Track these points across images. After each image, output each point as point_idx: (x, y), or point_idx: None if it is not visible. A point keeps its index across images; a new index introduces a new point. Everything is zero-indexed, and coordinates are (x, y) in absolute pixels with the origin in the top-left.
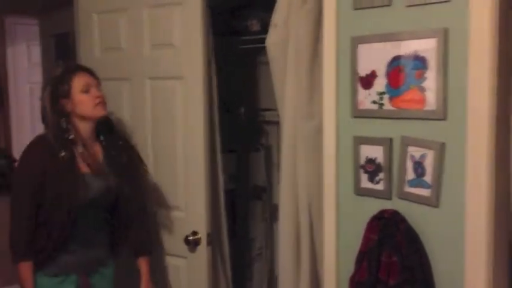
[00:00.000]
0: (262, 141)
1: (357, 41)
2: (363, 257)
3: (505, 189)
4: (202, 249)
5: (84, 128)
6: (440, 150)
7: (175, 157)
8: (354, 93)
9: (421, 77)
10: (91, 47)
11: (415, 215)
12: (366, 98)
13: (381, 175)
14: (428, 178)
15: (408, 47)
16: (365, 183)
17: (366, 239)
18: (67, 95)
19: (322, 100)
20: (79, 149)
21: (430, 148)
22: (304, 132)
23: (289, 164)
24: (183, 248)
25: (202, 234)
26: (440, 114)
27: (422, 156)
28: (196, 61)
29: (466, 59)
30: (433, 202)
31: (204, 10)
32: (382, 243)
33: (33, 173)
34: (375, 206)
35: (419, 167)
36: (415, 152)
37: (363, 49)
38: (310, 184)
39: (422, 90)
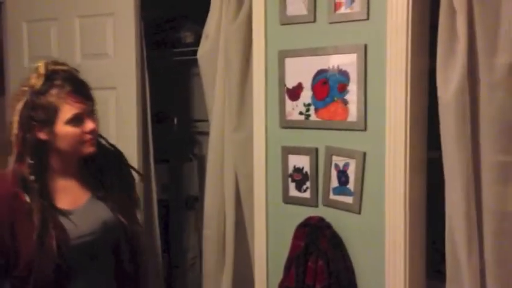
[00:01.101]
0: (195, 152)
1: (284, 54)
2: (291, 263)
3: (420, 194)
4: None
5: (63, 161)
6: (362, 159)
7: None
8: (282, 105)
9: (344, 90)
10: (20, 56)
11: (340, 222)
12: (294, 109)
13: (308, 184)
14: (351, 186)
15: (331, 62)
16: (293, 191)
17: (294, 245)
18: (47, 124)
19: (252, 111)
20: (56, 183)
21: (352, 157)
22: (233, 143)
23: (215, 172)
24: None
25: None
26: (361, 125)
27: (346, 165)
28: (130, 71)
29: (384, 73)
30: (356, 209)
31: (137, 21)
32: (308, 249)
33: None
34: (302, 214)
35: (343, 175)
36: (339, 161)
37: (290, 62)
38: (239, 192)
39: (345, 102)
